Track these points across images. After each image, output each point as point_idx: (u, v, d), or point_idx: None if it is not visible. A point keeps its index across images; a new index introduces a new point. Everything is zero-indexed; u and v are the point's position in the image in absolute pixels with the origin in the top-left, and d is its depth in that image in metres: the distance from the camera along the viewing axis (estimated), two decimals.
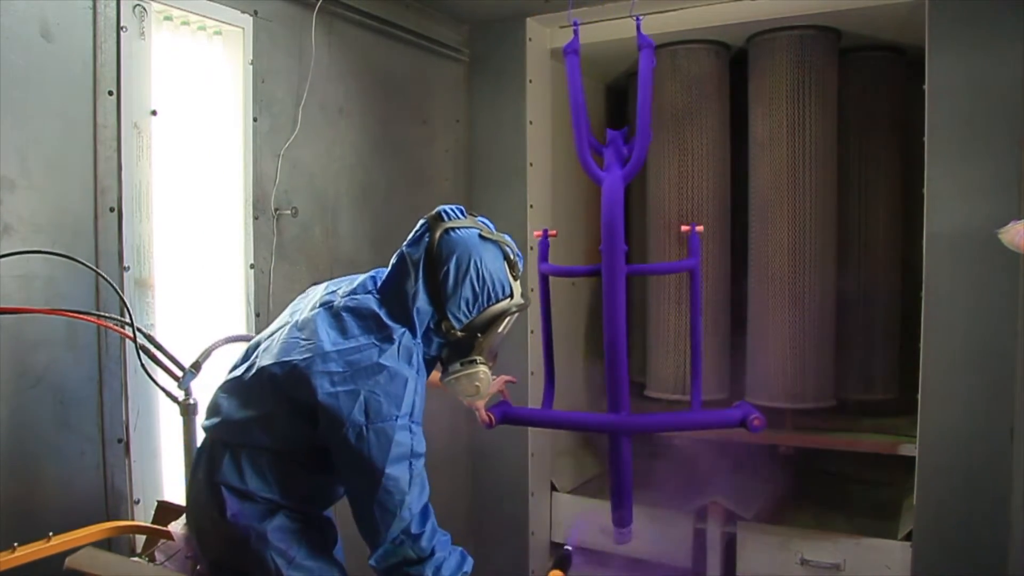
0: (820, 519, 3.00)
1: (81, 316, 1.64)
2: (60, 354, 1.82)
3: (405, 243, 1.53)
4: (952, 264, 2.40)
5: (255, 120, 2.30)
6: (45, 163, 1.78)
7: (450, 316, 1.49)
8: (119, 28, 1.89)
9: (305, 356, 1.41)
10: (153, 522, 1.87)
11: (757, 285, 3.05)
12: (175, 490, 2.00)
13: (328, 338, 1.43)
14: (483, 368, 1.55)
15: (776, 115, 2.93)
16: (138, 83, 1.94)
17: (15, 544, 1.49)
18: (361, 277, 1.57)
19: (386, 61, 2.81)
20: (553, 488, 3.28)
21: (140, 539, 1.91)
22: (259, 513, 1.44)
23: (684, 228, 2.26)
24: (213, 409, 1.53)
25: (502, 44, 3.11)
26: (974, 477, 2.37)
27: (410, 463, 1.38)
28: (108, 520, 1.84)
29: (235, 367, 1.57)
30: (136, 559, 1.73)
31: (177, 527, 1.73)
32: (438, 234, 1.47)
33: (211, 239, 2.24)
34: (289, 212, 2.40)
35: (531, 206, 3.10)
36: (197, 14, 2.14)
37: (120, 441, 1.93)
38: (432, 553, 1.39)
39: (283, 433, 1.44)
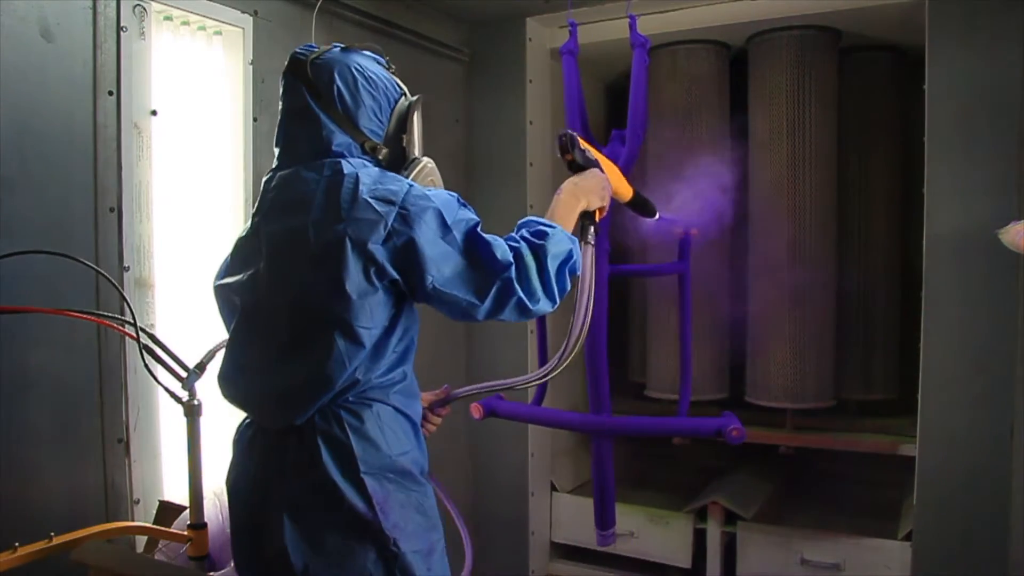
0: (820, 519, 3.00)
1: (82, 316, 1.64)
2: (60, 354, 1.82)
3: (281, 107, 1.42)
4: (952, 264, 2.40)
5: (255, 120, 2.29)
6: (45, 163, 1.78)
7: (367, 133, 1.39)
8: (119, 28, 1.89)
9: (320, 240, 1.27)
10: (154, 522, 1.87)
11: (757, 285, 3.05)
12: (175, 490, 2.00)
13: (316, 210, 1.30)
14: (426, 160, 1.46)
15: (776, 115, 2.93)
16: (138, 83, 1.94)
17: (16, 544, 1.49)
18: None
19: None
20: (553, 488, 3.28)
21: (141, 540, 1.91)
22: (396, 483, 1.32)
23: (678, 231, 2.25)
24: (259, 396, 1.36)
25: (502, 44, 3.11)
26: (974, 477, 2.37)
27: (459, 203, 1.34)
28: (108, 520, 1.84)
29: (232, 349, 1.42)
30: None
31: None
32: (308, 68, 1.37)
33: (211, 239, 2.24)
34: None
35: (531, 206, 3.10)
36: (197, 14, 2.13)
37: (120, 441, 1.92)
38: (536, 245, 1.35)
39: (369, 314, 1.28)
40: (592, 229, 1.53)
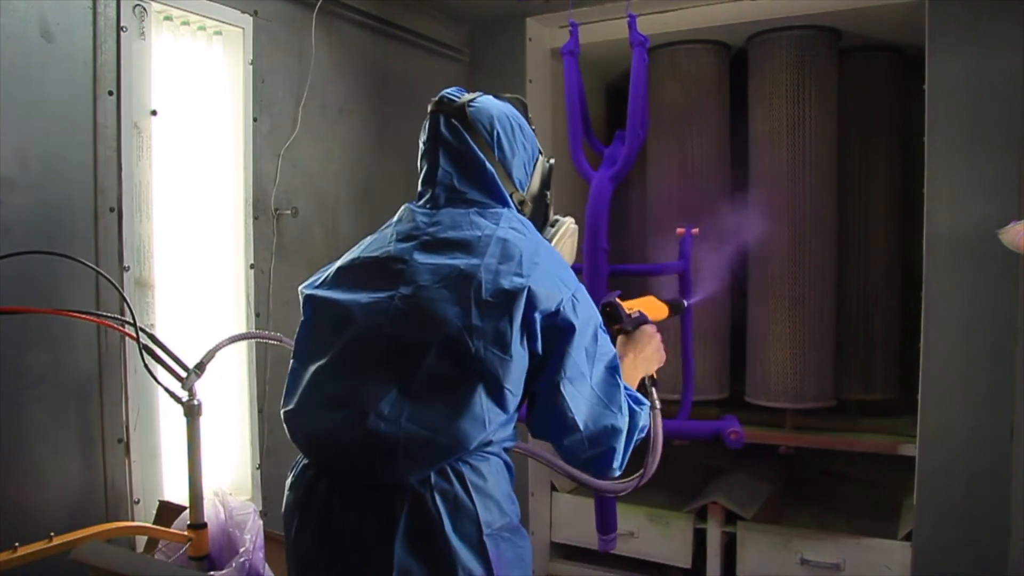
0: (820, 519, 3.00)
1: (82, 316, 1.64)
2: (60, 354, 1.82)
3: (430, 142, 1.33)
4: (952, 264, 2.40)
5: (255, 120, 2.30)
6: (45, 163, 1.78)
7: (516, 183, 1.34)
8: (119, 28, 1.89)
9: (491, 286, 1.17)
10: (155, 522, 1.87)
11: (757, 285, 3.05)
12: (175, 490, 2.00)
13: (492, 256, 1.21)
14: (570, 219, 1.46)
15: (776, 115, 2.93)
16: (138, 83, 1.94)
17: (16, 544, 1.49)
18: (400, 226, 1.31)
19: (386, 61, 2.81)
20: (553, 488, 3.28)
21: (141, 540, 1.92)
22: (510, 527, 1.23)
23: (679, 231, 2.26)
24: (385, 450, 1.14)
25: (502, 44, 3.11)
26: (974, 477, 2.37)
27: (603, 328, 1.26)
28: (108, 520, 1.84)
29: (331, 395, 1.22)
30: None
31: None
32: (465, 111, 1.31)
33: (211, 239, 2.24)
34: (289, 212, 2.40)
35: None
36: (197, 14, 2.13)
37: (120, 441, 1.92)
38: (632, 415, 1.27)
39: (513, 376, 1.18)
40: (655, 391, 1.47)
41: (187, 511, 1.76)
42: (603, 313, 1.46)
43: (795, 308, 2.92)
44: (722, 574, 2.90)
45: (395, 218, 1.35)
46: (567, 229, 1.46)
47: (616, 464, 1.25)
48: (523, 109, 1.42)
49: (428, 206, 1.32)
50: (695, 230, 2.25)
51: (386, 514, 1.15)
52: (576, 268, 2.26)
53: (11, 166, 1.71)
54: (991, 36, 2.34)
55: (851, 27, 2.91)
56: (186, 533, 1.74)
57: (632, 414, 1.27)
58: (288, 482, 1.29)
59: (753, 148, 3.06)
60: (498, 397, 1.16)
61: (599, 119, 3.55)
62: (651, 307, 1.57)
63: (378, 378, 1.17)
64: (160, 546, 1.81)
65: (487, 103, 1.34)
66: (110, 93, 1.89)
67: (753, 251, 3.07)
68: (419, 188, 1.36)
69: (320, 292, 1.29)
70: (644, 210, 3.30)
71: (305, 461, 1.27)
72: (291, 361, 1.31)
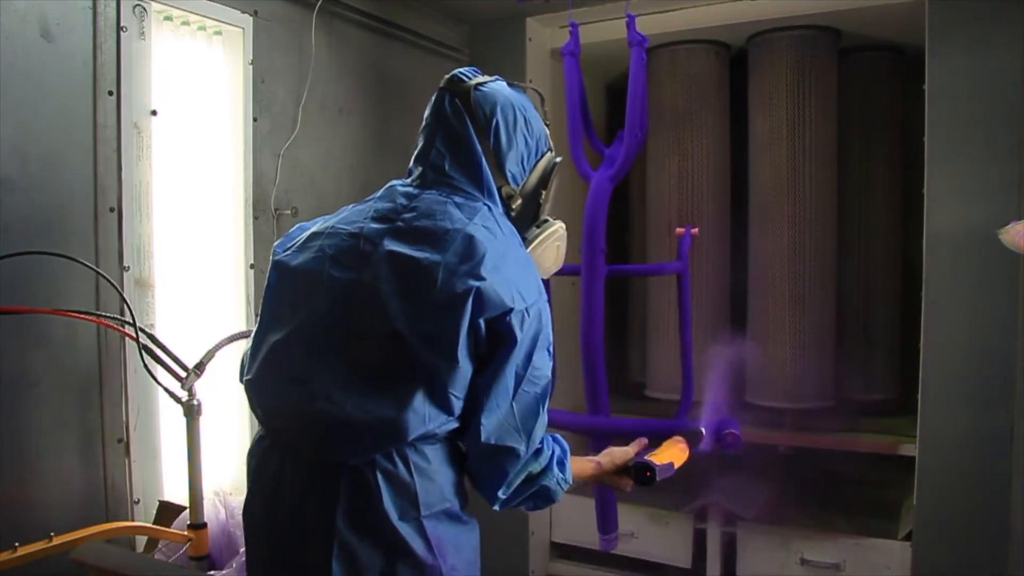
0: (820, 519, 3.00)
1: (82, 316, 1.64)
2: (60, 354, 1.82)
3: (431, 121, 1.33)
4: (952, 264, 2.40)
5: (255, 120, 2.30)
6: (45, 163, 1.78)
7: (508, 177, 1.30)
8: (119, 28, 1.89)
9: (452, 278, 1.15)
10: (154, 522, 1.88)
11: (757, 285, 3.05)
12: (175, 490, 2.00)
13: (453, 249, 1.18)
14: (559, 223, 1.40)
15: (776, 115, 2.93)
16: (138, 83, 1.94)
17: (16, 544, 1.49)
18: (374, 205, 1.32)
19: (386, 61, 2.81)
20: None
21: (141, 540, 1.92)
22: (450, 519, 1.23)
23: (678, 230, 2.25)
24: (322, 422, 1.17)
25: (502, 44, 3.11)
26: (974, 477, 2.37)
27: (549, 350, 1.22)
28: (108, 520, 1.84)
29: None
30: None
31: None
32: (471, 93, 1.29)
33: (211, 239, 2.24)
34: (289, 212, 2.40)
35: None
36: (197, 14, 2.14)
37: (120, 441, 1.93)
38: (547, 454, 1.24)
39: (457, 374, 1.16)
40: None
41: (187, 511, 1.76)
42: (637, 471, 1.43)
43: (795, 308, 2.92)
44: (722, 574, 2.90)
45: (377, 193, 1.35)
46: (553, 232, 1.39)
47: (502, 493, 1.21)
48: (540, 102, 1.39)
49: (416, 183, 1.31)
50: (694, 229, 2.24)
51: (329, 490, 1.16)
52: (573, 268, 2.27)
53: (11, 166, 1.71)
54: (991, 36, 2.34)
55: (851, 27, 2.91)
56: (186, 533, 1.74)
57: (547, 464, 1.24)
58: (248, 451, 1.31)
59: (753, 148, 3.06)
60: (442, 401, 1.16)
61: (599, 119, 3.55)
62: (678, 453, 1.57)
63: (330, 361, 1.18)
64: (160, 546, 1.81)
65: (496, 89, 1.32)
66: (110, 93, 1.89)
67: (753, 251, 3.07)
68: (410, 164, 1.35)
69: (289, 261, 1.29)
70: (643, 209, 3.30)
71: (262, 432, 1.29)
72: (255, 326, 1.32)
